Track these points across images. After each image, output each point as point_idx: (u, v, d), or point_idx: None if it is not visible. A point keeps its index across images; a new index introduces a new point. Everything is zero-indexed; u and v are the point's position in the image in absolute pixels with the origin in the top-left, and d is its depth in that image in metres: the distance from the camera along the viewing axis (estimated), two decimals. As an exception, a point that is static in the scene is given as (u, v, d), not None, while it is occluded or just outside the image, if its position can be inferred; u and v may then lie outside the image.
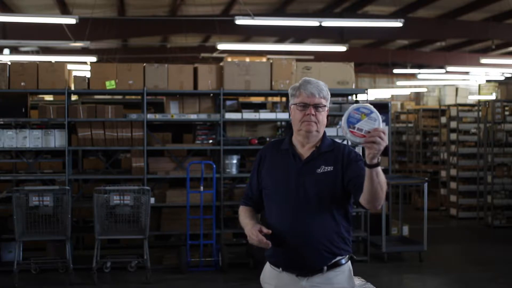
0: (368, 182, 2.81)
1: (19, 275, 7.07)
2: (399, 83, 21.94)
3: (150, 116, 8.07)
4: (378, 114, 2.75)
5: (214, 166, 7.91)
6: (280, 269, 3.14)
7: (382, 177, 2.80)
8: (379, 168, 2.79)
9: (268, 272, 3.23)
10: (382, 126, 2.74)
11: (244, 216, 3.26)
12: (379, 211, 8.16)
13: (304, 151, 3.16)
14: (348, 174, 3.06)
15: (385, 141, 2.70)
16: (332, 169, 3.09)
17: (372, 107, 2.76)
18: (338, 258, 3.11)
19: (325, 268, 3.09)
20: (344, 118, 2.76)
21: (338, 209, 3.11)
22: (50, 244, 7.89)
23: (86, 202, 8.20)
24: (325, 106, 3.12)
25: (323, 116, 3.12)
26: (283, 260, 3.12)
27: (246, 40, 17.62)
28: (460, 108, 12.92)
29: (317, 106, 3.09)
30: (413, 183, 11.57)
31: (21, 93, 8.00)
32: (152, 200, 7.65)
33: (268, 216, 3.19)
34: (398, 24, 10.28)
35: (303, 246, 3.05)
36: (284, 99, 10.09)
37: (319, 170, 3.10)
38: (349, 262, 3.18)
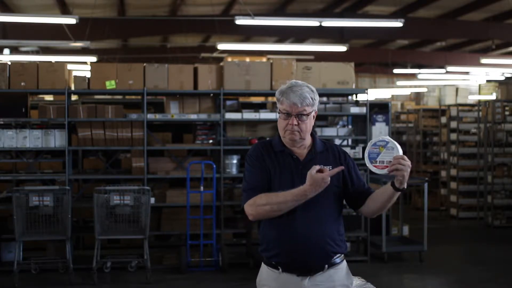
0: (385, 201, 3.04)
1: (19, 275, 7.07)
2: (399, 83, 21.91)
3: (150, 116, 8.07)
4: (395, 142, 2.90)
5: (214, 166, 7.91)
6: (280, 270, 3.10)
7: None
8: None
9: (266, 274, 3.17)
10: (400, 152, 2.89)
11: (274, 195, 2.97)
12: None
13: (300, 151, 3.14)
14: (354, 182, 3.15)
15: (407, 165, 2.86)
16: (332, 168, 3.08)
17: (387, 137, 2.93)
18: (337, 255, 3.13)
19: (326, 266, 3.09)
20: (365, 156, 2.93)
21: (338, 207, 3.16)
22: (50, 244, 7.89)
23: (86, 202, 8.19)
24: (309, 113, 3.05)
25: (306, 125, 3.06)
26: (286, 261, 3.07)
27: (246, 40, 17.59)
28: (460, 108, 12.92)
29: (300, 115, 3.02)
30: (413, 183, 11.55)
31: (21, 93, 8.01)
32: (152, 200, 7.65)
33: (273, 218, 3.06)
34: (398, 24, 10.27)
35: (310, 246, 3.02)
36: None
37: (319, 170, 3.10)
38: (344, 259, 3.20)
